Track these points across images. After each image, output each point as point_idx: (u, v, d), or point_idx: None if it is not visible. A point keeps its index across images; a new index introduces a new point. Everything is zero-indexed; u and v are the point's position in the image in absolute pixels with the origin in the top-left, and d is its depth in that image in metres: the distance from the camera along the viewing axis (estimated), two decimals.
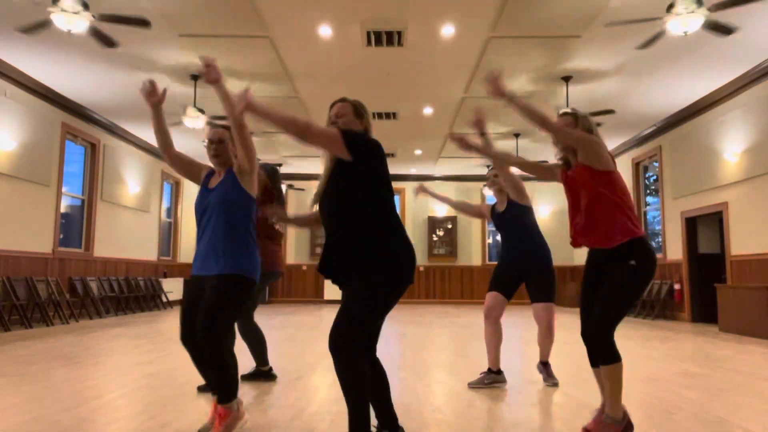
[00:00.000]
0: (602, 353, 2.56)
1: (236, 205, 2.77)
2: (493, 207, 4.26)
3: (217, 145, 2.89)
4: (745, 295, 7.59)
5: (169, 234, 14.31)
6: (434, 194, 4.33)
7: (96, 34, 5.87)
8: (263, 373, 4.10)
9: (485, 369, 4.04)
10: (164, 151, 2.99)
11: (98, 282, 10.15)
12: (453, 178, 15.60)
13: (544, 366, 4.09)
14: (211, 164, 2.99)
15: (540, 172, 3.00)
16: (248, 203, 2.81)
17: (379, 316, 2.30)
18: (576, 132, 2.66)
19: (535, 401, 3.53)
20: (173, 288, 13.05)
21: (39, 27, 5.64)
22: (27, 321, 7.78)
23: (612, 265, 2.64)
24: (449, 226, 15.58)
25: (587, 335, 2.64)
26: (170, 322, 8.95)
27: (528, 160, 3.13)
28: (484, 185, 14.65)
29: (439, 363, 5.04)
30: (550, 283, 4.04)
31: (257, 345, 4.06)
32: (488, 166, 14.33)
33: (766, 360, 5.31)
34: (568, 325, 9.01)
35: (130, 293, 11.04)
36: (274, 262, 4.09)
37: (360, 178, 2.28)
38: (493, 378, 3.95)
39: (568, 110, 2.88)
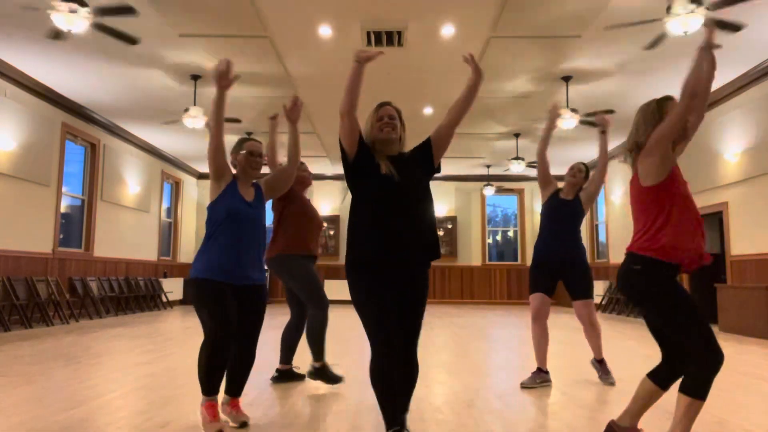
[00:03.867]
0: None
1: (264, 221, 3.10)
2: (558, 191, 4.20)
3: (260, 159, 3.09)
4: (745, 295, 7.58)
5: (169, 234, 14.30)
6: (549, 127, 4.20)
7: (115, 33, 5.90)
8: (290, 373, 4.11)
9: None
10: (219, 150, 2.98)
11: (98, 282, 10.15)
12: (453, 178, 15.60)
13: (599, 363, 4.10)
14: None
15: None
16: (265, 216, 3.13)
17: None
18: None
19: (535, 401, 3.53)
20: (173, 288, 13.04)
21: (60, 35, 5.71)
22: (27, 321, 7.78)
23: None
24: (449, 226, 15.58)
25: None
26: (170, 323, 8.95)
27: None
28: (492, 181, 14.67)
29: (439, 363, 5.03)
30: (590, 280, 4.10)
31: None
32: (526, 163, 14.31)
33: (766, 360, 5.31)
34: (569, 325, 9.02)
35: (130, 293, 11.04)
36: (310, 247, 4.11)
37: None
38: (543, 377, 3.98)
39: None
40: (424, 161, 2.65)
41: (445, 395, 3.67)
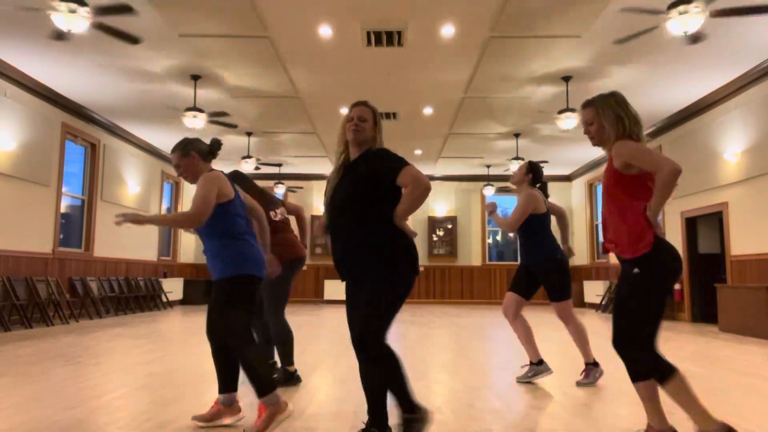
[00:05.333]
0: (629, 369, 2.36)
1: (207, 225, 2.86)
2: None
3: (177, 170, 3.02)
4: (745, 295, 7.59)
5: (169, 234, 14.29)
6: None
7: (117, 33, 5.90)
8: (288, 374, 3.95)
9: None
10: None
11: (98, 282, 10.15)
12: (453, 178, 15.60)
13: (586, 366, 4.06)
14: None
15: None
16: (216, 216, 2.83)
17: (396, 313, 2.42)
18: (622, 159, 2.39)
19: (535, 401, 3.53)
20: (173, 288, 13.04)
21: (62, 36, 5.71)
22: (27, 321, 7.78)
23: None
24: (449, 226, 15.58)
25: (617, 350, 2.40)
26: (170, 323, 8.95)
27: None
28: (493, 181, 14.68)
29: (439, 363, 5.03)
30: (558, 283, 4.08)
31: (284, 344, 3.94)
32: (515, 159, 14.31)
33: (766, 360, 5.31)
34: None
35: (130, 293, 11.03)
36: (293, 250, 4.07)
37: (387, 189, 2.42)
38: (534, 370, 4.05)
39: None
40: (371, 176, 2.41)
41: (445, 395, 3.67)
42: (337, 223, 2.46)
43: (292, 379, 3.94)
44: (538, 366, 4.05)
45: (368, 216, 2.39)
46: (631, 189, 2.38)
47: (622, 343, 2.36)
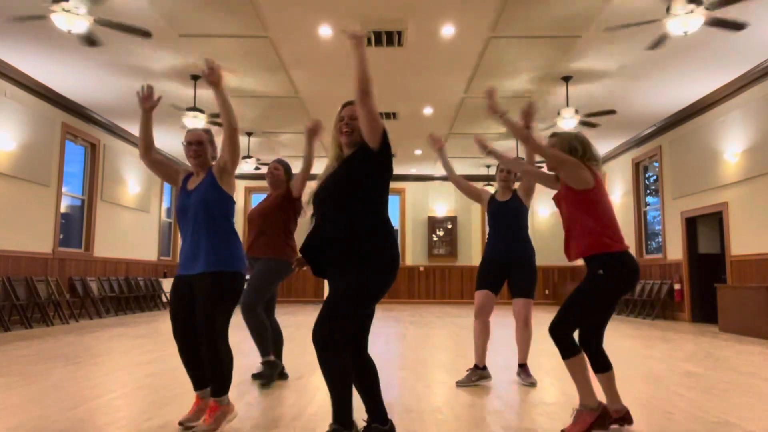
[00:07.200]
0: (559, 348, 2.74)
1: (215, 204, 2.88)
2: (493, 195, 4.27)
3: (197, 147, 2.98)
4: (745, 295, 7.59)
5: (169, 234, 14.30)
6: (444, 158, 4.38)
7: (126, 29, 5.86)
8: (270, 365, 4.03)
9: (490, 368, 4.08)
10: (145, 154, 3.08)
11: (98, 282, 10.15)
12: None
13: (522, 368, 4.06)
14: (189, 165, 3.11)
15: (544, 180, 3.10)
16: (227, 202, 2.94)
17: (363, 313, 2.41)
18: (552, 151, 2.82)
19: (535, 401, 3.53)
20: None
21: (34, 18, 5.61)
22: (27, 321, 7.78)
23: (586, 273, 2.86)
24: (449, 226, 15.57)
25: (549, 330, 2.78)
26: (170, 323, 8.95)
27: (536, 170, 3.31)
28: (492, 181, 14.69)
29: (439, 363, 5.04)
30: (531, 280, 4.06)
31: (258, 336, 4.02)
32: (494, 167, 14.32)
33: (766, 360, 5.31)
34: None
35: (130, 293, 11.03)
36: (291, 254, 4.12)
37: (367, 176, 2.42)
38: (479, 374, 4.00)
39: (556, 131, 3.03)
40: (363, 166, 2.44)
41: (445, 395, 3.67)
42: (322, 212, 2.44)
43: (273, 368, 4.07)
44: (483, 371, 4.00)
45: (354, 207, 2.38)
46: (584, 200, 2.80)
47: (559, 330, 2.73)
